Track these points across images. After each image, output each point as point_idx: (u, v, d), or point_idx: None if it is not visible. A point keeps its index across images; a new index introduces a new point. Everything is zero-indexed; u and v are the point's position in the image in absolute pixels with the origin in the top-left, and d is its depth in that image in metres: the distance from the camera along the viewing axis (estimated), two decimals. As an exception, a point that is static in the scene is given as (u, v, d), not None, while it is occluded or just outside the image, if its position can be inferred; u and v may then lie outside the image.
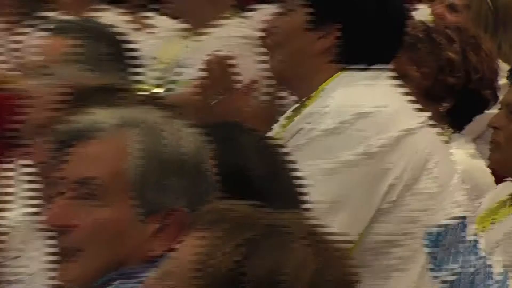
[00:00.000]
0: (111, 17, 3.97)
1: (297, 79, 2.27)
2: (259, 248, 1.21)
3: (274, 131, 2.33)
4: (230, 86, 2.27)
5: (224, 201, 1.39)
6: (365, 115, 2.12)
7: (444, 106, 2.66)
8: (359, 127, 2.10)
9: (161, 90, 3.38)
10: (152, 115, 1.59)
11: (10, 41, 4.34)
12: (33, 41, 3.13)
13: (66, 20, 3.42)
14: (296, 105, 2.29)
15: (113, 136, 1.53)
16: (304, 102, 2.23)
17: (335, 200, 2.10)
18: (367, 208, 2.10)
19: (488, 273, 2.13)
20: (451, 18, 3.58)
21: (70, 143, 1.54)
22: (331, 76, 2.18)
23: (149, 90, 3.12)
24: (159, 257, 1.46)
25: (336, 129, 2.10)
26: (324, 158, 2.10)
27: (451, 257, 2.11)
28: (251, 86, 2.35)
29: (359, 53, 2.18)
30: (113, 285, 1.48)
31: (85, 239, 1.52)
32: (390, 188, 2.06)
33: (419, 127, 2.15)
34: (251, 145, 1.73)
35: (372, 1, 2.18)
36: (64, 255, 1.53)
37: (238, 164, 1.66)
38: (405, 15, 2.29)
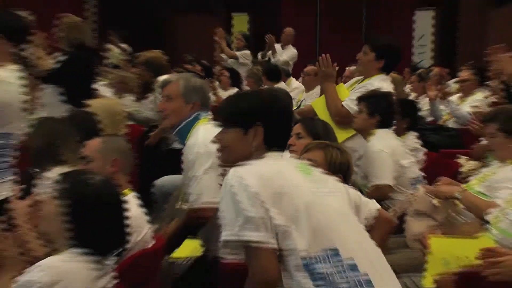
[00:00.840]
0: (280, 85, 6.46)
1: (365, 74, 4.10)
2: (339, 154, 2.55)
3: (348, 86, 4.23)
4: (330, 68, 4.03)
5: (316, 141, 2.70)
6: (384, 91, 3.86)
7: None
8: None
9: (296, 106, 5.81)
10: (189, 76, 3.26)
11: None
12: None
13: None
14: (359, 79, 4.19)
15: (174, 82, 3.16)
16: (363, 79, 4.08)
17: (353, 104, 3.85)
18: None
19: None
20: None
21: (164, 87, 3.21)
22: (375, 75, 4.04)
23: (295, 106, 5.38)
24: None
25: (373, 91, 3.84)
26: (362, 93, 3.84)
27: None
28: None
29: (386, 68, 4.04)
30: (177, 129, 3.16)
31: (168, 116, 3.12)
32: None
33: None
34: (320, 123, 3.31)
35: (392, 48, 4.10)
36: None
37: (317, 130, 3.21)
38: (400, 55, 4.11)
